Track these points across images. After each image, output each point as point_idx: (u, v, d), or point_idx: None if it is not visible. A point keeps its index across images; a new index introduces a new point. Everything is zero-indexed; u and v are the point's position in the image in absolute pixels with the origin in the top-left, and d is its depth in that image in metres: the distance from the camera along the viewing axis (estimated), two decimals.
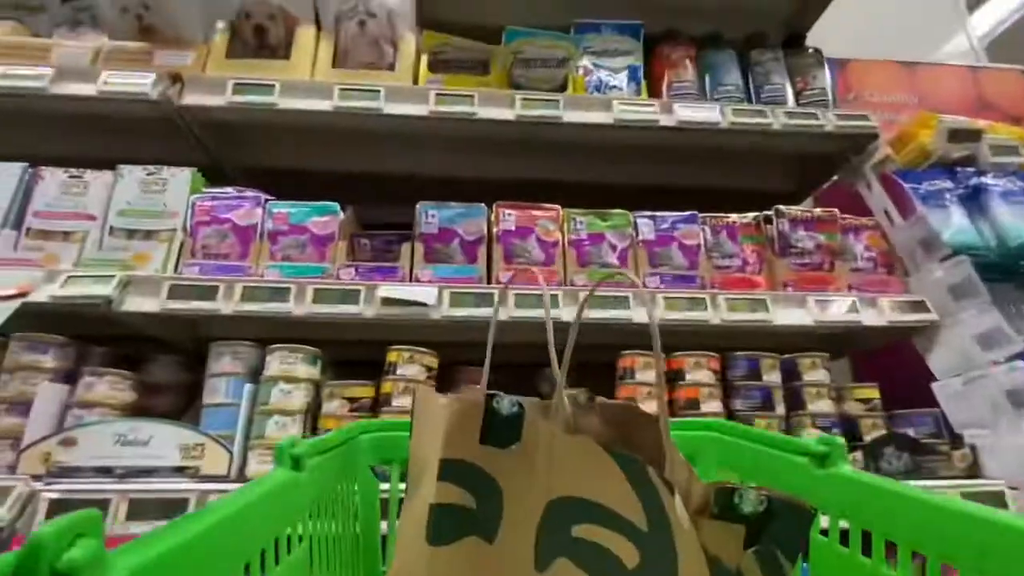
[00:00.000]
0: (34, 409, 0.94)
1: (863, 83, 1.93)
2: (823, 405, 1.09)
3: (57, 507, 0.84)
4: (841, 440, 0.44)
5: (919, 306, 1.19)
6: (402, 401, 1.01)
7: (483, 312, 1.08)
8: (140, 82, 1.19)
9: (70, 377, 1.03)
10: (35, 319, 1.07)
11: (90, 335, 1.15)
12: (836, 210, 1.29)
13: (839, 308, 1.17)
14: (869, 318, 1.17)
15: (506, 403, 0.36)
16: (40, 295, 1.00)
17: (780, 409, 1.08)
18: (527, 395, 0.47)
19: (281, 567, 0.37)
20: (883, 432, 1.08)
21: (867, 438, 1.10)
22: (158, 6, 1.24)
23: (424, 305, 1.07)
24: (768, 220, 1.30)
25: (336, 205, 1.18)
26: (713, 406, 1.07)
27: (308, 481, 0.43)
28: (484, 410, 0.37)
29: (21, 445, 0.92)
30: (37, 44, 1.24)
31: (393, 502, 0.59)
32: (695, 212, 1.26)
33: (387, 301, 1.07)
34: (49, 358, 1.02)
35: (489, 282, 1.15)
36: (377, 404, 1.03)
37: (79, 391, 0.99)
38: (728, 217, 1.29)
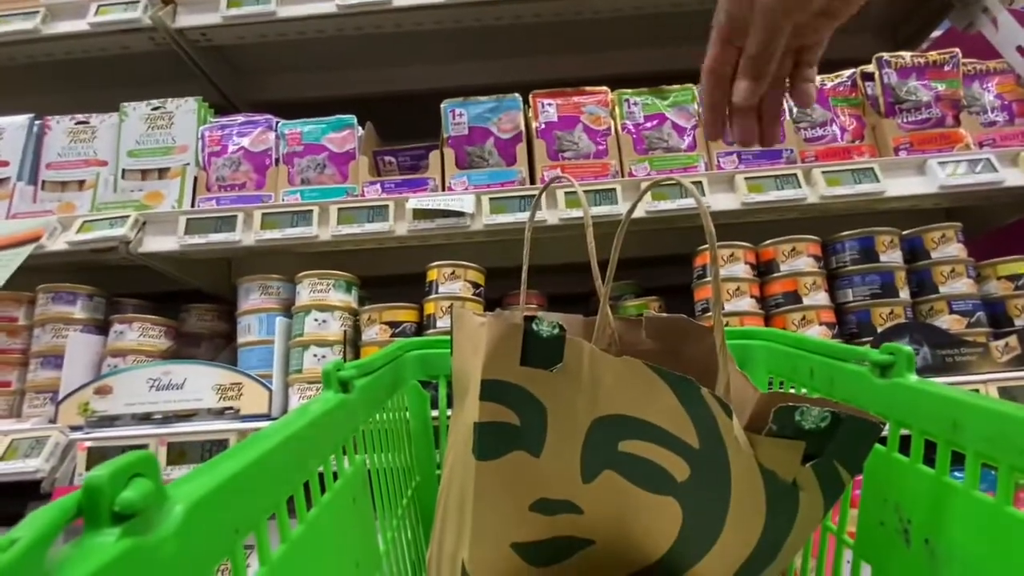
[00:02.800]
0: (67, 360, 0.88)
1: None
2: (960, 285, 0.86)
3: (95, 455, 0.78)
4: (909, 349, 0.39)
5: None
6: (448, 322, 0.88)
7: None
8: (130, 9, 1.07)
9: (102, 329, 0.97)
10: (66, 275, 1.02)
11: (131, 292, 1.09)
12: (956, 49, 1.02)
13: (970, 169, 0.92)
14: (1012, 178, 0.92)
15: (546, 325, 0.34)
16: (57, 243, 0.92)
17: (904, 295, 0.87)
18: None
19: (340, 481, 0.36)
20: None
21: (1019, 322, 0.87)
22: None
23: (461, 215, 0.92)
24: (866, 77, 1.04)
25: (352, 118, 1.04)
26: (818, 298, 0.87)
27: (358, 401, 0.42)
28: (523, 332, 0.34)
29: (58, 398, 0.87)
30: None
31: (443, 411, 0.59)
32: None
33: (419, 214, 0.92)
34: (78, 308, 0.95)
35: (532, 184, 0.99)
36: (421, 328, 0.90)
37: (110, 339, 0.92)
38: None
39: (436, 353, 0.61)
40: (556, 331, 0.34)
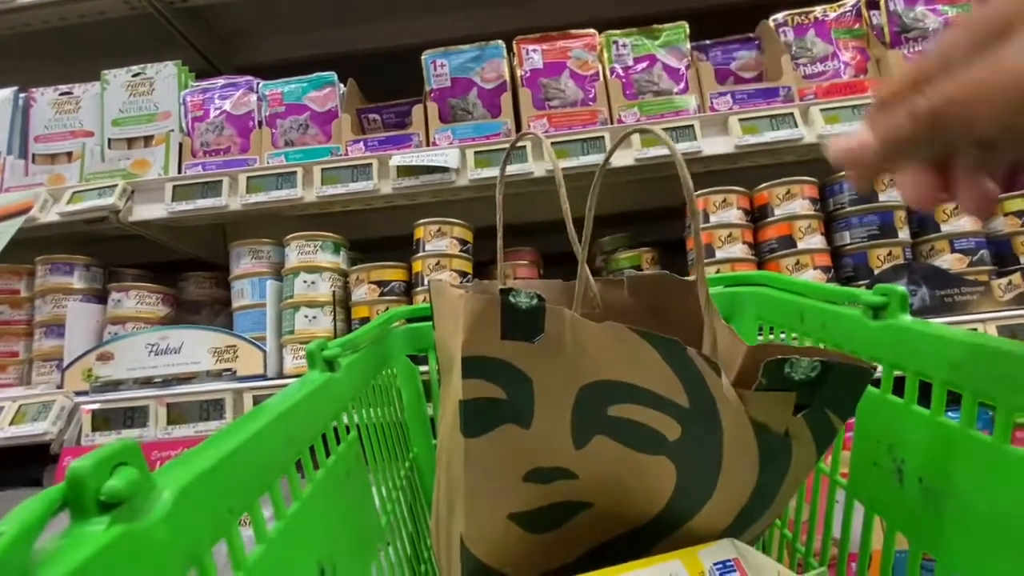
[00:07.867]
0: (68, 329, 0.86)
1: None
2: (963, 223, 0.80)
3: (99, 418, 0.77)
4: (903, 289, 0.36)
5: None
6: (436, 279, 0.84)
7: (518, 169, 0.86)
8: None
9: (101, 298, 0.95)
10: (68, 247, 0.99)
11: (133, 263, 1.07)
12: None
13: None
14: None
15: (523, 296, 0.32)
16: (49, 215, 0.89)
17: (904, 235, 0.81)
18: None
19: (332, 458, 0.36)
20: None
21: None
22: None
23: (446, 170, 0.87)
24: (872, 5, 0.94)
25: (332, 75, 0.97)
26: (813, 242, 0.81)
27: (345, 380, 0.40)
28: (501, 306, 0.31)
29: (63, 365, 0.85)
30: None
31: (434, 385, 0.58)
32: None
33: (403, 171, 0.87)
34: (75, 278, 0.93)
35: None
36: (410, 287, 0.87)
37: (109, 307, 0.91)
38: (813, 11, 0.95)
39: (423, 327, 0.58)
40: (535, 302, 0.32)
